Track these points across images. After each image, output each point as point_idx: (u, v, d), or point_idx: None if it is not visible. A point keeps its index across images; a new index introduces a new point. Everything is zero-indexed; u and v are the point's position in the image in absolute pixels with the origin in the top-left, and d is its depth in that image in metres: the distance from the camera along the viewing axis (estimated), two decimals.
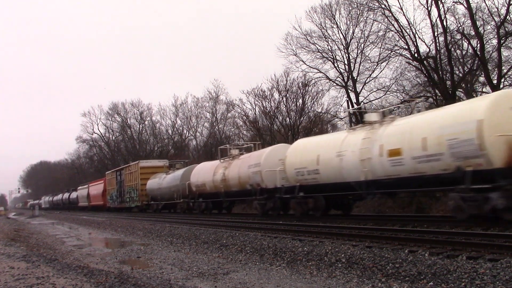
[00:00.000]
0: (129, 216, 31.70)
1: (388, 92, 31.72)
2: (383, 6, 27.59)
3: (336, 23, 31.92)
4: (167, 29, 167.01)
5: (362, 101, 32.43)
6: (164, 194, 31.64)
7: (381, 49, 30.06)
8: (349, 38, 31.78)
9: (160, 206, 33.50)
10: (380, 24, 29.31)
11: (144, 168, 36.46)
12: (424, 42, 27.33)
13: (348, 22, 31.65)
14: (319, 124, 36.03)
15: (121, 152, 67.90)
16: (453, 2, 24.26)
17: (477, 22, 23.62)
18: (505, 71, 24.42)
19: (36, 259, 9.97)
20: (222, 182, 22.46)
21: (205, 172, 24.96)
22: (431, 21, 25.39)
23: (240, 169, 21.12)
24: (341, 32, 31.99)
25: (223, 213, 26.62)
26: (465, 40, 25.48)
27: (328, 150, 15.61)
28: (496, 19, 23.64)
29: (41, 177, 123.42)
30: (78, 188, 62.31)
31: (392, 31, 28.20)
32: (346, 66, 32.32)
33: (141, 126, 65.12)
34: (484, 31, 24.25)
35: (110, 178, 46.31)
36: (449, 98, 22.77)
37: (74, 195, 64.65)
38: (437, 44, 25.64)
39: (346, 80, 32.59)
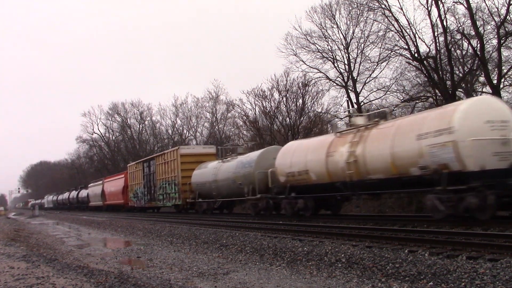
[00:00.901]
0: (129, 216, 31.69)
1: (388, 92, 31.77)
2: (383, 6, 27.59)
3: (336, 23, 31.95)
4: (167, 29, 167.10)
5: (362, 101, 32.46)
6: (221, 188, 22.81)
7: (381, 49, 30.10)
8: (349, 38, 31.81)
9: (216, 204, 24.45)
10: (380, 24, 29.34)
11: (187, 156, 27.69)
12: (424, 42, 27.34)
13: (348, 22, 31.69)
14: (319, 124, 36.04)
15: (121, 152, 67.92)
16: (453, 2, 24.27)
17: (477, 22, 23.62)
18: (505, 71, 24.43)
19: (36, 259, 9.97)
20: (351, 165, 14.42)
21: (306, 153, 16.88)
22: (431, 21, 25.39)
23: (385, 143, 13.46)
24: (341, 32, 32.03)
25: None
26: (465, 40, 25.48)
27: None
28: (496, 19, 23.65)
29: (41, 177, 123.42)
30: (90, 185, 55.45)
31: (392, 31, 28.21)
32: (346, 66, 32.35)
33: (141, 126, 65.17)
34: (484, 31, 24.26)
35: (133, 171, 37.30)
36: (449, 98, 22.76)
37: (84, 193, 58.83)
38: (437, 44, 25.64)
39: (346, 80, 32.60)
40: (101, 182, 49.38)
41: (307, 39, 32.82)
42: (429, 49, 26.70)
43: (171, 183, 28.51)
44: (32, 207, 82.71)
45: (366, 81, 32.39)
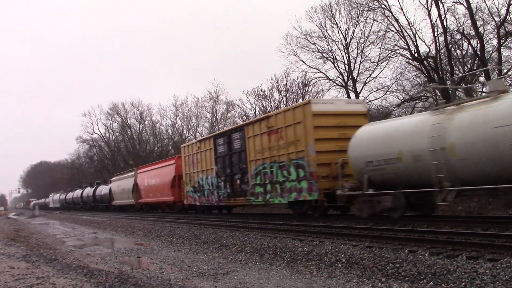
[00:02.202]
0: (129, 216, 31.68)
1: (388, 92, 31.78)
2: (383, 6, 27.63)
3: (336, 23, 31.97)
4: (167, 29, 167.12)
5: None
6: (469, 165, 10.93)
7: (381, 49, 30.13)
8: (349, 38, 31.82)
9: (450, 197, 11.89)
10: (380, 24, 29.37)
11: (322, 117, 15.82)
12: (424, 42, 27.42)
13: (348, 22, 31.70)
14: None
15: (121, 152, 67.93)
16: (453, 2, 24.30)
17: (477, 22, 23.64)
18: (505, 71, 24.42)
19: (36, 259, 9.97)
20: None
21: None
22: (431, 21, 25.41)
23: None
24: (341, 32, 32.04)
25: (223, 213, 25.65)
26: (465, 40, 25.51)
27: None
28: (496, 19, 23.66)
29: (41, 177, 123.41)
30: (113, 178, 45.42)
31: (392, 31, 28.25)
32: (346, 66, 32.36)
33: (141, 126, 65.18)
34: (484, 31, 24.28)
35: (193, 153, 24.75)
36: (448, 98, 22.78)
37: (103, 190, 49.43)
38: (437, 44, 25.67)
39: (346, 80, 32.61)
40: (132, 173, 38.83)
41: (307, 39, 32.86)
42: (429, 49, 26.74)
43: (287, 165, 16.61)
44: (33, 207, 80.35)
45: (366, 81, 32.42)
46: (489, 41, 24.77)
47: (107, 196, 47.21)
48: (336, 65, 32.76)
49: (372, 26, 30.39)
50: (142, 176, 35.72)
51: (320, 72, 33.35)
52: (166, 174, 30.23)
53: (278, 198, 17.39)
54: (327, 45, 32.60)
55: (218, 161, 21.96)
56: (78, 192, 61.94)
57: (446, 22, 24.90)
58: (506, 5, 22.62)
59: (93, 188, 54.59)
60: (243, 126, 20.16)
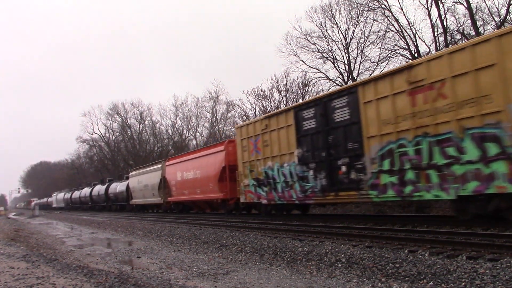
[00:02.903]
0: (129, 216, 31.68)
1: None
2: (383, 6, 27.66)
3: (336, 23, 31.99)
4: (167, 29, 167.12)
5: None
6: None
7: (381, 49, 30.15)
8: (349, 38, 31.84)
9: None
10: (380, 24, 29.39)
11: None
12: (424, 42, 27.46)
13: (348, 22, 31.73)
14: None
15: (121, 152, 67.96)
16: (453, 2, 24.33)
17: (477, 22, 23.66)
18: None
19: (36, 259, 9.97)
20: None
21: None
22: (431, 21, 25.44)
23: None
24: (341, 32, 32.06)
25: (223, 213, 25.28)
26: (465, 40, 25.49)
27: None
28: (496, 19, 23.68)
29: (41, 177, 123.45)
30: (132, 174, 38.28)
31: (392, 31, 28.28)
32: (346, 66, 32.38)
33: (141, 126, 65.26)
34: (484, 31, 24.28)
35: (261, 132, 18.31)
36: None
37: (118, 187, 42.61)
38: (437, 44, 25.67)
39: (346, 80, 32.61)
40: (158, 166, 31.54)
41: (307, 39, 32.90)
42: (429, 49, 26.74)
43: (455, 138, 10.72)
44: (33, 207, 79.05)
45: None
46: None
47: (123, 195, 40.52)
48: (336, 65, 32.80)
49: (372, 26, 30.44)
50: (173, 168, 28.49)
51: (320, 72, 33.41)
52: (211, 164, 23.19)
53: (434, 192, 11.13)
54: (327, 45, 32.65)
55: (303, 141, 15.92)
56: (86, 191, 55.69)
57: (446, 22, 24.93)
58: (506, 5, 22.65)
59: (105, 186, 47.81)
60: (355, 87, 13.77)
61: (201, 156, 25.09)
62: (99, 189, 49.82)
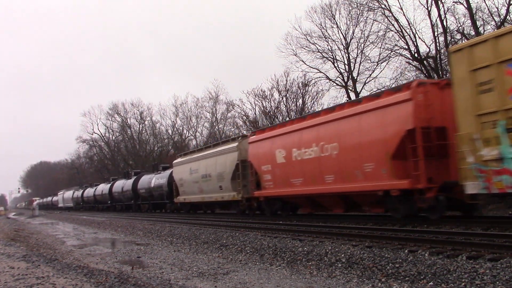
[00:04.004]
0: (129, 216, 31.66)
1: None
2: (383, 6, 27.66)
3: (336, 23, 32.01)
4: (167, 29, 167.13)
5: None
6: None
7: (381, 49, 30.14)
8: (349, 38, 31.85)
9: None
10: (380, 24, 29.39)
11: None
12: (424, 42, 27.42)
13: (348, 22, 31.74)
14: None
15: (121, 152, 67.95)
16: (453, 2, 24.33)
17: (477, 22, 23.66)
18: None
19: (36, 259, 9.97)
20: None
21: None
22: (431, 21, 25.44)
23: None
24: (341, 32, 32.07)
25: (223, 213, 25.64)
26: (465, 40, 25.49)
27: None
28: (496, 19, 23.68)
29: (41, 177, 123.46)
30: (178, 161, 28.21)
31: (392, 31, 28.28)
32: (346, 66, 32.39)
33: (141, 126, 65.26)
34: (484, 31, 24.27)
35: None
36: None
37: (153, 180, 33.15)
38: (437, 44, 25.69)
39: (346, 80, 32.64)
40: (229, 147, 21.88)
41: (307, 39, 32.89)
42: (429, 49, 26.75)
43: None
44: (33, 207, 76.87)
45: (366, 81, 32.43)
46: None
47: (162, 190, 31.11)
48: (336, 65, 32.81)
49: (372, 26, 30.44)
50: (267, 145, 18.25)
51: (320, 72, 33.41)
52: (378, 128, 13.01)
53: None
54: (327, 45, 32.66)
55: None
56: (103, 187, 47.11)
57: (446, 22, 24.94)
58: (506, 5, 22.65)
59: (131, 180, 38.62)
60: None
61: (347, 116, 14.23)
62: (123, 184, 40.06)
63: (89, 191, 53.50)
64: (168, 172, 31.16)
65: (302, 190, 16.37)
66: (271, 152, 17.93)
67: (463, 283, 6.22)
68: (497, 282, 6.04)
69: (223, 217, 22.01)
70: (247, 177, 20.01)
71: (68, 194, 64.98)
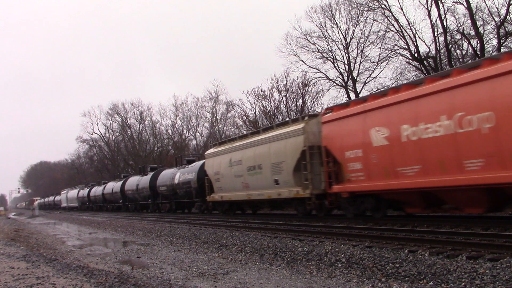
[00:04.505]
0: (129, 216, 31.65)
1: None
2: (383, 6, 27.70)
3: (336, 23, 32.05)
4: (167, 29, 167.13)
5: None
6: None
7: (381, 49, 30.20)
8: (349, 38, 31.89)
9: None
10: (380, 24, 29.44)
11: None
12: (424, 42, 27.53)
13: (348, 22, 31.78)
14: None
15: (121, 152, 67.96)
16: (453, 2, 24.37)
17: (477, 22, 23.68)
18: None
19: (36, 259, 9.97)
20: None
21: None
22: (431, 21, 25.46)
23: None
24: (341, 32, 32.11)
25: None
26: (465, 40, 25.55)
27: None
28: (496, 19, 23.71)
29: (41, 177, 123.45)
30: (211, 151, 23.84)
31: (392, 31, 28.32)
32: (346, 66, 32.43)
33: (141, 126, 65.28)
34: (484, 31, 24.32)
35: None
36: None
37: (179, 175, 28.34)
38: (437, 44, 25.72)
39: (346, 80, 32.66)
40: (291, 129, 17.20)
41: (307, 39, 32.94)
42: (429, 49, 26.79)
43: None
44: (33, 207, 74.38)
45: (366, 81, 32.48)
46: (489, 41, 24.82)
47: (191, 187, 26.24)
48: (336, 65, 32.85)
49: (372, 26, 30.49)
50: (359, 122, 14.11)
51: (320, 72, 33.45)
52: None
53: None
54: (327, 45, 32.70)
55: None
56: (114, 185, 43.00)
57: (446, 22, 24.97)
58: (506, 5, 22.67)
59: (148, 176, 34.32)
60: None
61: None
62: (137, 181, 36.11)
63: (97, 190, 49.40)
64: (197, 165, 26.45)
65: (418, 182, 11.96)
66: (362, 133, 13.78)
67: (463, 283, 6.22)
68: (497, 282, 6.04)
69: (223, 217, 21.96)
70: (316, 168, 15.93)
71: (73, 193, 61.03)
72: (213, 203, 23.65)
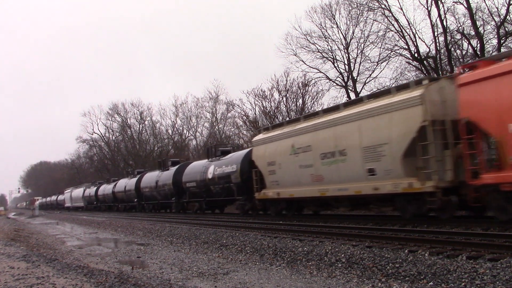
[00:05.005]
0: (129, 216, 31.63)
1: None
2: (383, 6, 27.71)
3: (336, 23, 32.05)
4: (167, 29, 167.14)
5: None
6: None
7: (381, 49, 30.20)
8: (349, 38, 31.89)
9: None
10: (380, 24, 29.44)
11: None
12: (424, 42, 27.48)
13: (348, 22, 31.78)
14: None
15: (121, 152, 67.96)
16: (453, 2, 24.38)
17: (477, 22, 23.69)
18: None
19: (36, 259, 9.97)
20: None
21: None
22: (431, 21, 25.47)
23: None
24: (341, 32, 32.11)
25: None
26: (465, 40, 25.55)
27: None
28: (496, 19, 23.71)
29: (41, 177, 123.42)
30: (263, 137, 19.25)
31: (392, 31, 28.33)
32: (346, 66, 32.43)
33: (141, 126, 65.27)
34: (484, 31, 24.32)
35: None
36: None
37: (212, 168, 23.94)
38: (437, 44, 25.73)
39: (346, 80, 32.66)
40: (411, 97, 12.30)
41: (307, 39, 32.94)
42: (429, 49, 26.79)
43: None
44: (33, 207, 73.76)
45: (366, 81, 32.47)
46: (489, 41, 24.83)
47: (231, 182, 22.15)
48: (336, 65, 32.85)
49: (372, 26, 30.49)
50: None
51: (320, 72, 33.44)
52: None
53: None
54: (327, 45, 32.70)
55: None
56: (127, 183, 38.71)
57: (446, 22, 24.98)
58: (506, 5, 22.68)
59: (170, 171, 29.84)
60: None
61: None
62: (157, 177, 31.63)
63: (106, 188, 45.25)
64: (240, 154, 22.17)
65: None
66: None
67: (463, 283, 6.22)
68: (497, 282, 6.04)
69: (223, 217, 21.94)
70: (438, 151, 11.78)
71: (77, 192, 56.76)
72: (263, 201, 19.12)
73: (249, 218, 19.34)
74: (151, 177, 33.44)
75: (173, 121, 59.53)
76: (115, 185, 42.60)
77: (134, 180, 36.93)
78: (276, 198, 17.92)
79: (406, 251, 8.48)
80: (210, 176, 24.06)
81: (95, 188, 49.58)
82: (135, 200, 36.69)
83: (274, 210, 18.84)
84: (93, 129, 69.33)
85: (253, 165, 19.50)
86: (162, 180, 30.77)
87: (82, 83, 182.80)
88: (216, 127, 51.35)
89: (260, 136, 19.64)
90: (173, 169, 29.59)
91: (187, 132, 58.43)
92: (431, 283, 6.52)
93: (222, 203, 25.19)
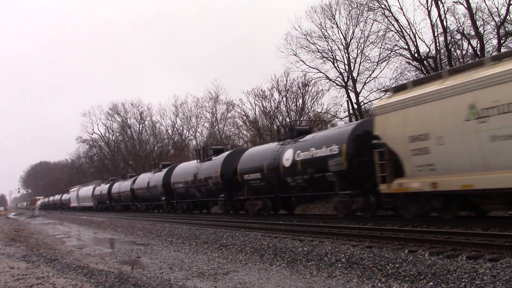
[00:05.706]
0: (129, 216, 31.63)
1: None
2: (383, 6, 27.71)
3: (336, 23, 32.06)
4: (167, 29, 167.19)
5: (362, 101, 32.49)
6: None
7: (381, 49, 30.20)
8: (349, 38, 31.90)
9: None
10: (380, 24, 29.45)
11: None
12: (424, 42, 27.53)
13: (348, 22, 31.78)
14: (319, 124, 36.10)
15: (121, 152, 67.95)
16: (453, 2, 24.38)
17: (477, 22, 23.69)
18: None
19: (36, 259, 9.97)
20: None
21: None
22: (431, 21, 25.47)
23: None
24: (341, 32, 32.12)
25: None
26: (465, 40, 25.55)
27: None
28: (496, 19, 23.71)
29: (41, 177, 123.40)
30: (394, 100, 12.44)
31: (392, 31, 28.33)
32: (346, 66, 32.43)
33: (141, 126, 65.27)
34: (484, 31, 24.33)
35: None
36: None
37: (285, 154, 17.05)
38: (437, 44, 25.73)
39: (346, 80, 32.66)
40: None
41: (307, 39, 32.95)
42: (429, 49, 26.80)
43: None
44: (33, 207, 72.89)
45: (366, 81, 32.48)
46: (489, 41, 24.83)
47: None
48: (336, 65, 32.85)
49: (372, 26, 30.50)
50: None
51: (320, 72, 33.45)
52: None
53: None
54: (327, 45, 32.71)
55: None
56: (151, 178, 31.84)
57: (446, 22, 24.98)
58: (506, 5, 22.68)
59: (216, 160, 23.04)
60: None
61: None
62: (195, 169, 24.64)
63: (122, 185, 38.66)
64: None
65: None
66: None
67: (463, 283, 6.22)
68: (497, 282, 6.04)
69: (223, 217, 21.91)
70: None
71: (86, 190, 50.56)
72: (395, 196, 12.81)
73: (249, 218, 19.36)
74: (184, 169, 26.96)
75: (173, 121, 59.62)
76: (133, 182, 36.32)
77: (162, 174, 29.50)
78: (429, 192, 11.69)
79: (406, 251, 8.48)
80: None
81: (108, 185, 43.28)
82: (163, 198, 29.87)
83: (415, 211, 12.48)
84: (93, 129, 69.42)
85: (370, 144, 13.41)
86: (202, 173, 24.10)
87: (82, 83, 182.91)
88: (216, 127, 51.39)
89: (393, 99, 12.83)
90: (222, 156, 22.73)
91: (187, 132, 58.50)
92: (431, 283, 6.52)
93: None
